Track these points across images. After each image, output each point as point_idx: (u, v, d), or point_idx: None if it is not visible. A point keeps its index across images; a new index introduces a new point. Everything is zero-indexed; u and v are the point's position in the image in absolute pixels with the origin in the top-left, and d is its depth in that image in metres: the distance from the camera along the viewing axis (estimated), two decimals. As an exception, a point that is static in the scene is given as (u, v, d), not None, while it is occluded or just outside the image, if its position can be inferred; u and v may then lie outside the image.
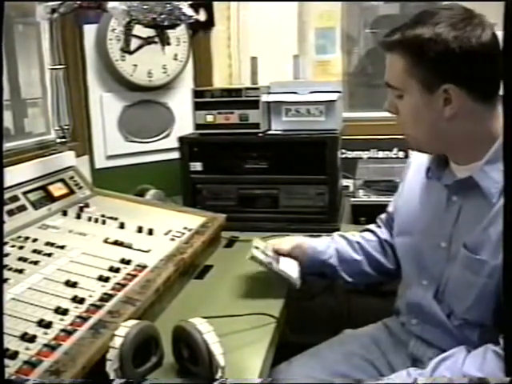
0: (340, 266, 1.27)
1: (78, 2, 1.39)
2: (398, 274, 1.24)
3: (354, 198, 1.73)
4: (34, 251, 1.14)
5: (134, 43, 1.74)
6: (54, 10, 1.41)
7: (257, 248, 1.22)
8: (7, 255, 1.10)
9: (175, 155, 1.81)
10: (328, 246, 1.29)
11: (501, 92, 0.96)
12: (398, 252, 1.20)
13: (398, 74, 1.00)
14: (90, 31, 1.81)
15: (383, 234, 1.31)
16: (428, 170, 1.10)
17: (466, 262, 1.00)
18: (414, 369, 1.03)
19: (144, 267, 1.14)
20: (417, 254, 1.12)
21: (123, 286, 1.05)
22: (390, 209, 1.30)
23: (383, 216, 1.33)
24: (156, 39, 1.75)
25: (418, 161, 1.16)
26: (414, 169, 1.18)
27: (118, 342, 0.85)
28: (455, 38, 0.91)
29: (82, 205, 1.42)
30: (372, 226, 1.35)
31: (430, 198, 1.11)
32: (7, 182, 1.27)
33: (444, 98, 0.96)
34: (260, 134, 1.70)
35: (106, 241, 1.25)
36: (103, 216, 1.38)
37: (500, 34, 0.89)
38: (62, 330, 0.88)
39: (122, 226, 1.34)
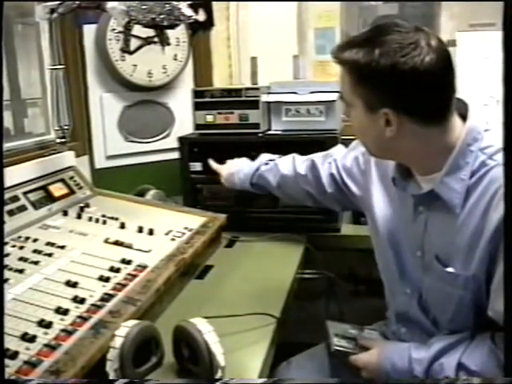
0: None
1: (77, 2, 1.39)
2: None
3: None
4: (35, 251, 1.14)
5: (134, 43, 1.74)
6: (53, 10, 1.41)
7: (337, 335, 1.18)
8: (8, 255, 1.10)
9: (175, 155, 1.81)
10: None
11: (451, 108, 0.96)
12: (379, 259, 1.19)
13: (345, 89, 1.00)
14: (89, 31, 1.81)
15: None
16: (394, 179, 1.09)
17: (439, 274, 1.00)
18: (416, 347, 1.03)
19: (144, 267, 1.14)
20: (397, 262, 1.12)
21: (124, 286, 1.05)
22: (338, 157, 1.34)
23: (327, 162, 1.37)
24: (156, 39, 1.75)
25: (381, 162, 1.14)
26: (381, 169, 1.15)
27: (118, 342, 0.85)
28: (392, 65, 0.89)
29: (82, 205, 1.43)
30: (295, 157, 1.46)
31: (400, 206, 1.11)
32: (7, 182, 1.27)
33: (385, 119, 0.95)
34: (260, 134, 1.70)
35: (106, 241, 1.25)
36: (104, 216, 1.38)
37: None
38: (63, 330, 0.88)
39: (122, 226, 1.34)
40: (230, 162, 1.58)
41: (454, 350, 0.97)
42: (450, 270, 0.98)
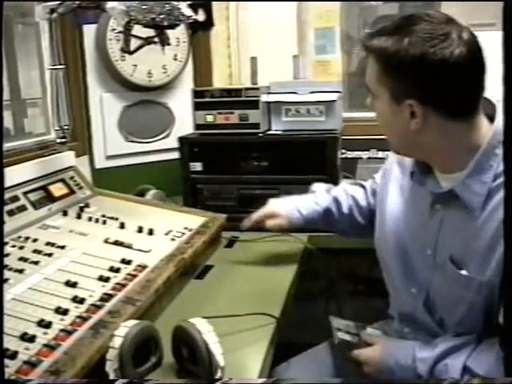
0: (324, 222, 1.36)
1: (77, 2, 1.39)
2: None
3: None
4: (35, 251, 1.14)
5: (134, 43, 1.74)
6: (53, 10, 1.41)
7: (340, 330, 1.19)
8: (8, 255, 1.10)
9: (175, 155, 1.81)
10: (314, 209, 1.35)
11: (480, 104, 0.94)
12: (385, 256, 1.16)
13: (372, 78, 0.99)
14: (89, 31, 1.81)
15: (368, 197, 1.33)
16: (412, 174, 1.08)
17: (452, 276, 0.98)
18: (420, 346, 1.02)
19: (144, 267, 1.14)
20: (404, 259, 1.10)
21: (123, 286, 1.05)
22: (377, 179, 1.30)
23: (369, 183, 1.34)
24: (156, 39, 1.75)
25: (403, 158, 1.13)
26: (400, 166, 1.15)
27: (117, 342, 0.85)
28: (421, 55, 0.88)
29: (82, 205, 1.42)
30: (365, 185, 1.36)
31: (415, 202, 1.09)
32: (7, 182, 1.26)
33: (410, 111, 0.94)
34: (260, 134, 1.70)
35: (106, 241, 1.25)
36: (103, 216, 1.38)
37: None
38: (62, 330, 0.88)
39: (122, 226, 1.34)
40: (271, 202, 1.40)
41: (460, 352, 0.96)
42: (464, 273, 0.96)
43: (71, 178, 1.50)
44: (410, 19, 0.94)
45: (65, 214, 1.37)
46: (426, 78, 0.91)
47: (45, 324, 0.89)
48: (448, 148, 0.97)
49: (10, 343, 0.83)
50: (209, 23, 1.56)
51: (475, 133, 0.95)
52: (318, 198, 1.37)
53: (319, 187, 1.41)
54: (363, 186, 1.35)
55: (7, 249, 1.13)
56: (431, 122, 0.94)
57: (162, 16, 1.28)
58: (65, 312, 0.93)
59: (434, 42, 0.88)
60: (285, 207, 1.36)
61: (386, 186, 1.17)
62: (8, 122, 1.68)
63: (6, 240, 1.15)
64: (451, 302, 1.01)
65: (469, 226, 0.95)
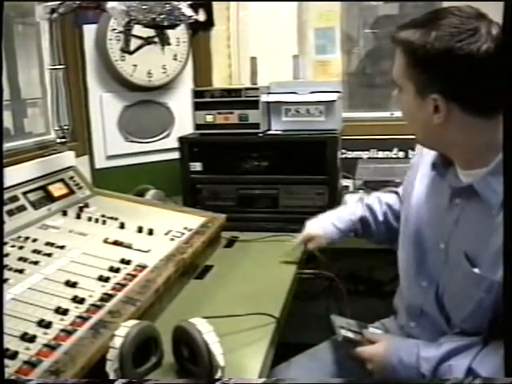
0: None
1: (77, 2, 1.39)
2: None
3: (354, 197, 1.72)
4: (34, 251, 1.14)
5: (134, 43, 1.74)
6: (53, 10, 1.41)
7: (343, 328, 1.18)
8: (7, 255, 1.10)
9: (175, 155, 1.81)
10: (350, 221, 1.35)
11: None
12: (403, 245, 1.16)
13: (398, 70, 0.99)
14: (89, 31, 1.81)
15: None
16: (434, 165, 1.08)
17: (464, 272, 0.97)
18: (424, 345, 1.02)
19: (144, 267, 1.14)
20: (419, 251, 1.10)
21: (123, 286, 1.05)
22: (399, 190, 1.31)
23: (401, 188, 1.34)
24: (156, 39, 1.75)
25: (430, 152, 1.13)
26: (426, 160, 1.14)
27: (118, 342, 0.85)
28: (447, 50, 0.88)
29: (81, 205, 1.42)
30: (398, 191, 1.36)
31: (436, 194, 1.09)
32: (7, 182, 1.26)
33: (433, 105, 0.94)
34: (260, 134, 1.70)
35: (106, 241, 1.25)
36: (103, 216, 1.38)
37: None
38: (62, 330, 0.88)
39: (122, 226, 1.34)
40: (307, 224, 1.40)
41: (465, 354, 0.95)
42: (476, 270, 0.95)
43: (71, 178, 1.50)
44: (439, 13, 0.93)
45: (64, 214, 1.37)
46: (452, 73, 0.90)
47: (45, 324, 0.89)
48: (471, 144, 0.96)
49: (10, 343, 0.83)
50: (209, 23, 1.56)
51: (501, 131, 0.94)
52: (351, 208, 1.38)
53: (351, 198, 1.43)
54: (396, 192, 1.36)
55: (7, 249, 1.13)
56: (455, 117, 0.93)
57: (162, 16, 1.28)
58: (65, 312, 0.93)
59: (461, 36, 0.88)
60: (321, 226, 1.37)
61: (414, 177, 1.17)
62: (8, 122, 1.68)
63: (5, 240, 1.15)
64: (460, 298, 1.00)
65: (486, 224, 0.94)
